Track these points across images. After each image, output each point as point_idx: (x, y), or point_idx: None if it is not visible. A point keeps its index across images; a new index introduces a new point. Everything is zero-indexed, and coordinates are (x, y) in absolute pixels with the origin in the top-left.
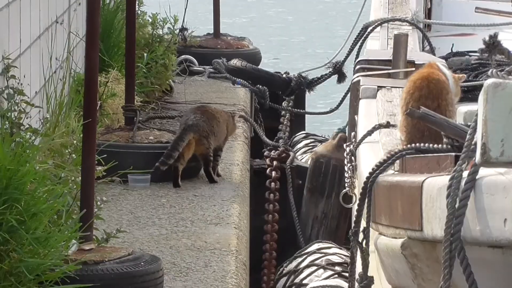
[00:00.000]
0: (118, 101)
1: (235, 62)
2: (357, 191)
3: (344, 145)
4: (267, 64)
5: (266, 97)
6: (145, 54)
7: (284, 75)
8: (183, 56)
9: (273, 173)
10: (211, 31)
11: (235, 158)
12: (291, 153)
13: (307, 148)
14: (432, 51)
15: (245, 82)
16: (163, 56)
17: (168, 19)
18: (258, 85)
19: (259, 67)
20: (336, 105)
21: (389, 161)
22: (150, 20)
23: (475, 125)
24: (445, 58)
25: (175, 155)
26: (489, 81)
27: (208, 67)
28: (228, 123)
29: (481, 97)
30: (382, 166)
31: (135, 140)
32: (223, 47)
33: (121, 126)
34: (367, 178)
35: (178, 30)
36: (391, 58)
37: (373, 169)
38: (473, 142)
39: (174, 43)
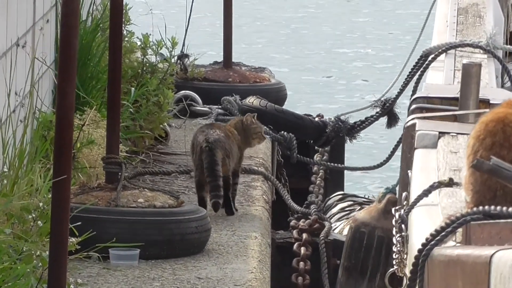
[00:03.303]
0: (96, 151)
1: (252, 100)
2: (408, 270)
3: (393, 209)
4: (294, 104)
5: (293, 148)
6: (132, 89)
7: (316, 119)
8: (182, 92)
9: (302, 249)
10: (220, 59)
11: (251, 228)
12: (327, 223)
13: (343, 213)
14: None
15: (265, 127)
16: (156, 91)
17: (163, 42)
18: (282, 132)
19: (283, 107)
20: (386, 158)
21: (448, 229)
22: (140, 43)
23: None
24: None
25: (221, 183)
26: None
27: (216, 106)
28: (240, 142)
29: None
30: (439, 236)
31: (119, 203)
32: (236, 80)
33: (100, 184)
34: (419, 251)
35: (176, 57)
36: (458, 95)
37: (427, 239)
38: None
39: (171, 74)
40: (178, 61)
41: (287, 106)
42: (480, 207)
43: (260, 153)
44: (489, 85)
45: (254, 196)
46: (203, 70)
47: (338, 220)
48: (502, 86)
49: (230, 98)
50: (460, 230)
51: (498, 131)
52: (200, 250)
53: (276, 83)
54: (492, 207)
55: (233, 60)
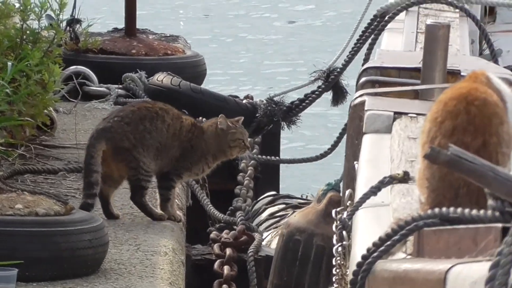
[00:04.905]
0: None
1: (162, 78)
2: None
3: (333, 211)
4: (215, 82)
5: None
6: (9, 64)
7: (244, 101)
8: (73, 68)
9: (226, 268)
10: (121, 25)
11: (160, 242)
12: (256, 235)
13: (271, 220)
14: (493, 55)
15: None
16: (39, 66)
17: (48, 4)
18: (200, 118)
19: (202, 86)
20: (331, 146)
21: (395, 237)
22: (19, 5)
23: None
24: None
25: (97, 179)
26: None
27: (116, 86)
28: (192, 132)
29: None
30: (383, 245)
31: None
32: (141, 52)
33: None
34: (359, 264)
35: (65, 23)
36: (420, 65)
37: (368, 250)
38: None
39: (59, 44)
40: (68, 27)
41: (206, 85)
42: (437, 209)
43: None
44: (460, 52)
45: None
46: (100, 39)
47: (266, 229)
48: (481, 54)
49: (134, 75)
50: (411, 238)
51: (460, 111)
52: (95, 270)
53: (192, 55)
54: (451, 209)
55: (138, 27)
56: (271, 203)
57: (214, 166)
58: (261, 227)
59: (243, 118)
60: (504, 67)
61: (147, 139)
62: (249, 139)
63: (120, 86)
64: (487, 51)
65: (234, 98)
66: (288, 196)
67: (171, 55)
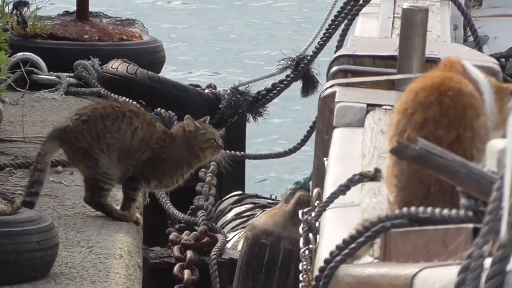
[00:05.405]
0: None
1: (117, 65)
2: None
3: (300, 212)
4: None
5: None
6: None
7: (206, 91)
8: (20, 55)
9: (186, 273)
10: (72, 8)
11: (115, 243)
12: (220, 236)
13: (238, 220)
14: (478, 43)
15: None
16: None
17: None
18: (158, 109)
19: (160, 75)
20: (301, 141)
21: (360, 239)
22: None
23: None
24: (505, 56)
25: (38, 178)
26: None
27: (67, 74)
28: (164, 140)
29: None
30: (347, 249)
31: None
32: (95, 37)
33: None
34: (321, 269)
35: (11, 6)
36: (396, 53)
37: (332, 253)
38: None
39: (5, 29)
40: (14, 11)
41: (166, 73)
42: (405, 209)
43: None
44: (440, 39)
45: (118, 199)
46: (49, 23)
47: (232, 230)
48: (465, 41)
49: (86, 62)
50: (378, 241)
51: (432, 102)
52: (44, 274)
53: (150, 41)
54: (421, 208)
55: (91, 9)
56: (237, 202)
57: (188, 176)
58: (227, 228)
59: (209, 117)
60: (490, 55)
61: (107, 138)
62: None
63: (72, 74)
64: (471, 38)
65: (196, 87)
66: (256, 196)
67: (126, 40)
